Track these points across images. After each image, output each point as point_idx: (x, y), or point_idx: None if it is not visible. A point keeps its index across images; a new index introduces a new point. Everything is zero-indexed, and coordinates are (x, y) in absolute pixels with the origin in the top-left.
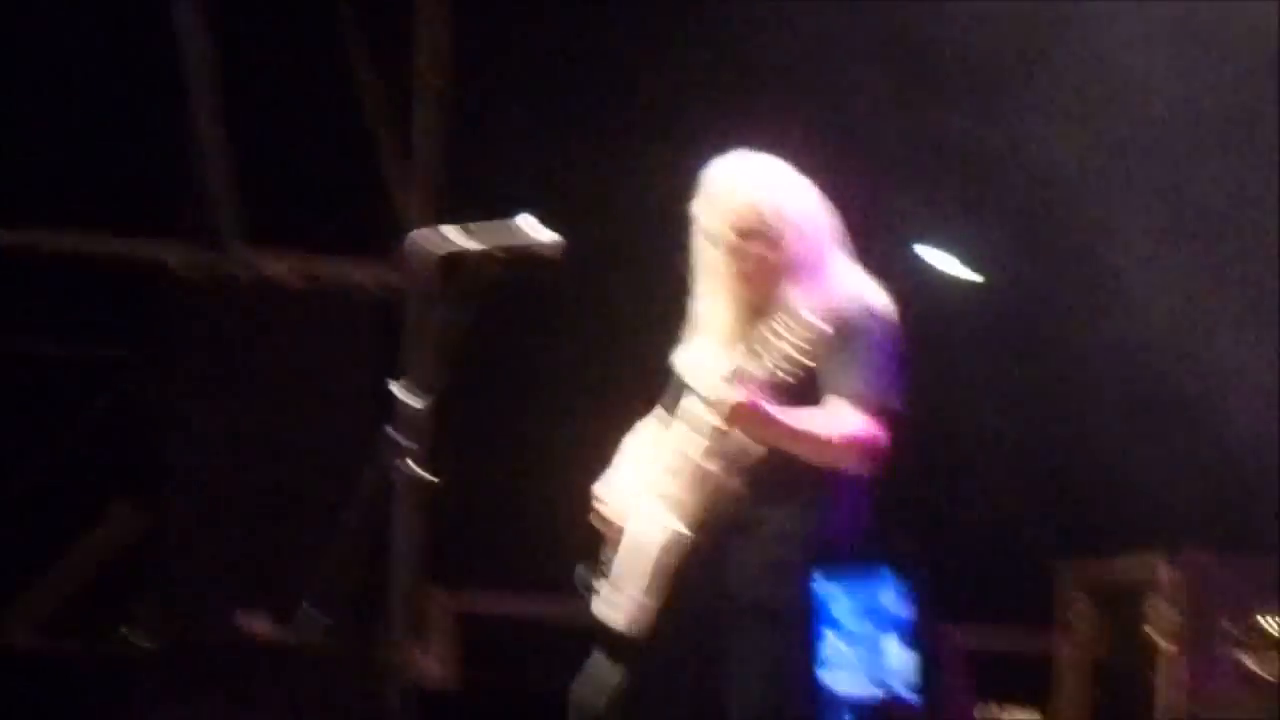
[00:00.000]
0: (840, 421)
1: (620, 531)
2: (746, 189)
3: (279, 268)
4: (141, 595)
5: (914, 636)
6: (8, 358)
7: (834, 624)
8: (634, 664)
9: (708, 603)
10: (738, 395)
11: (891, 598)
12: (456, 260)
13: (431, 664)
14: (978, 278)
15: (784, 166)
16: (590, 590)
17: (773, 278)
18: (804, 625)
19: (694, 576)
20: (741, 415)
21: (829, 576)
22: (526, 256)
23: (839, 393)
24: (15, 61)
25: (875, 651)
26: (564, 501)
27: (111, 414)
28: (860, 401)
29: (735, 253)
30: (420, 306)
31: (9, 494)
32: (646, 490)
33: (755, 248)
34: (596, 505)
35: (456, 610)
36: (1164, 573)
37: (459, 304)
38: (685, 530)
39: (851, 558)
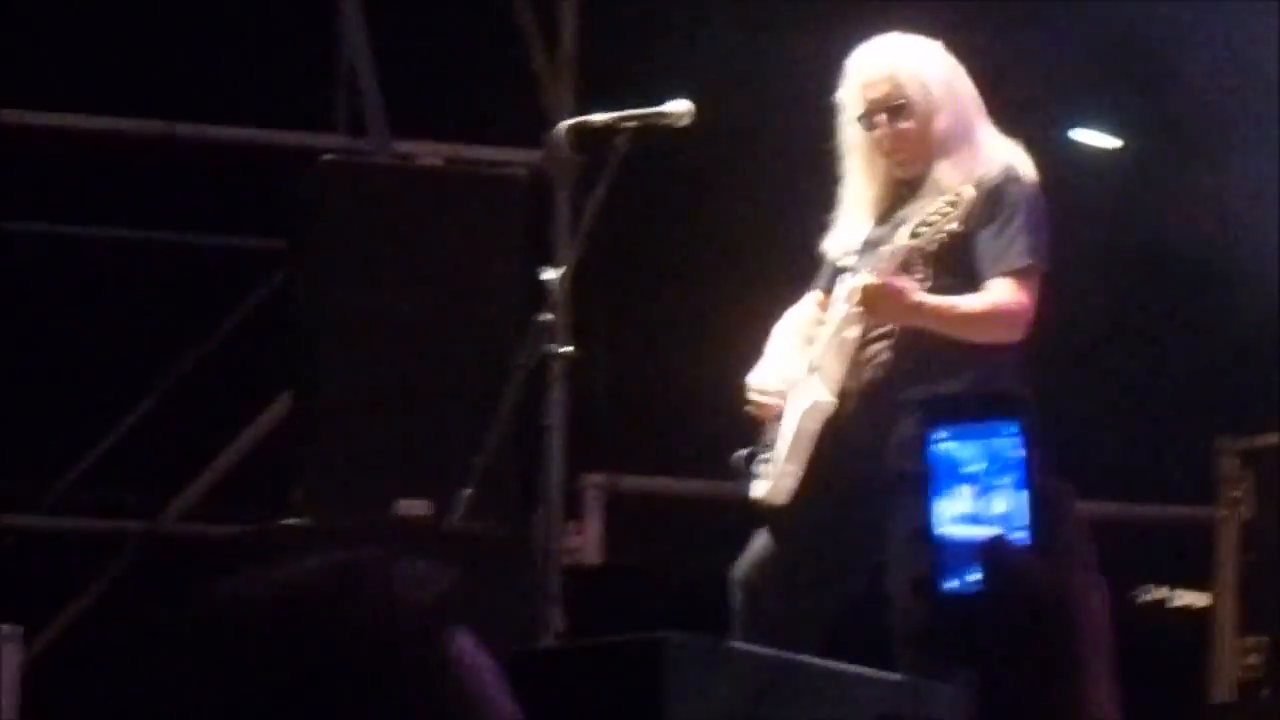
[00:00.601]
0: (983, 295)
1: (777, 414)
2: (887, 65)
3: (428, 156)
4: (296, 482)
5: (1026, 478)
6: (166, 249)
7: (957, 475)
8: (785, 534)
9: (861, 473)
10: (872, 277)
11: (1008, 442)
12: (589, 131)
13: (586, 545)
14: (1120, 143)
15: (926, 42)
16: (748, 474)
17: (919, 152)
18: None
19: (846, 448)
20: (876, 295)
21: (951, 432)
22: (656, 124)
23: (995, 266)
24: None
25: (993, 496)
26: (715, 382)
27: (269, 305)
28: (1015, 273)
29: (879, 129)
30: (560, 181)
31: (169, 386)
32: (800, 369)
33: (898, 123)
34: (751, 395)
35: (611, 491)
36: None
37: (596, 174)
38: (829, 396)
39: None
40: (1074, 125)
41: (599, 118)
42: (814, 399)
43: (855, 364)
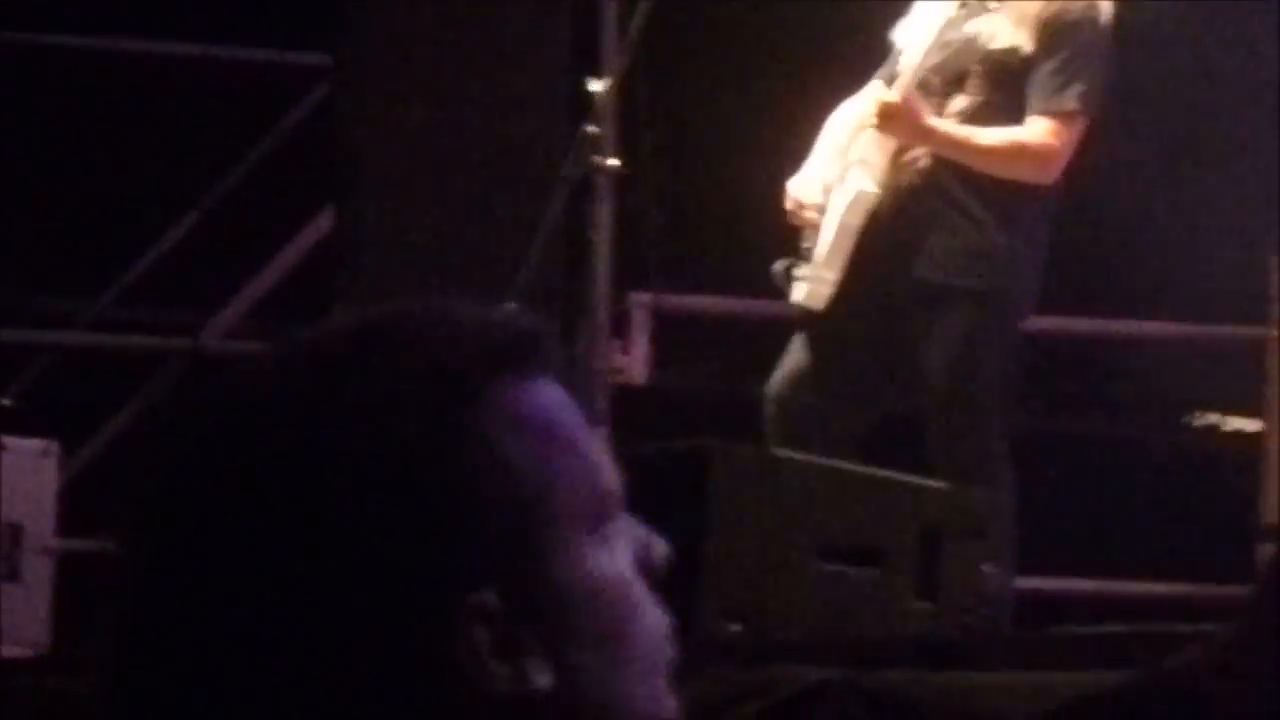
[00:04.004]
0: (1011, 131)
1: (818, 221)
2: None
3: None
4: (338, 299)
5: None
6: (205, 63)
7: None
8: (819, 343)
9: (899, 282)
10: (893, 95)
11: None
12: None
13: (632, 363)
14: None
15: None
16: (789, 282)
17: None
18: (997, 308)
19: (884, 253)
20: (890, 114)
21: None
22: None
23: (1040, 103)
24: None
25: None
26: (769, 197)
27: (312, 120)
28: (1058, 114)
29: None
30: None
31: (210, 203)
32: (845, 162)
33: None
34: (788, 201)
35: (658, 309)
36: None
37: None
38: (871, 187)
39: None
40: None
41: None
42: (857, 189)
43: (895, 164)
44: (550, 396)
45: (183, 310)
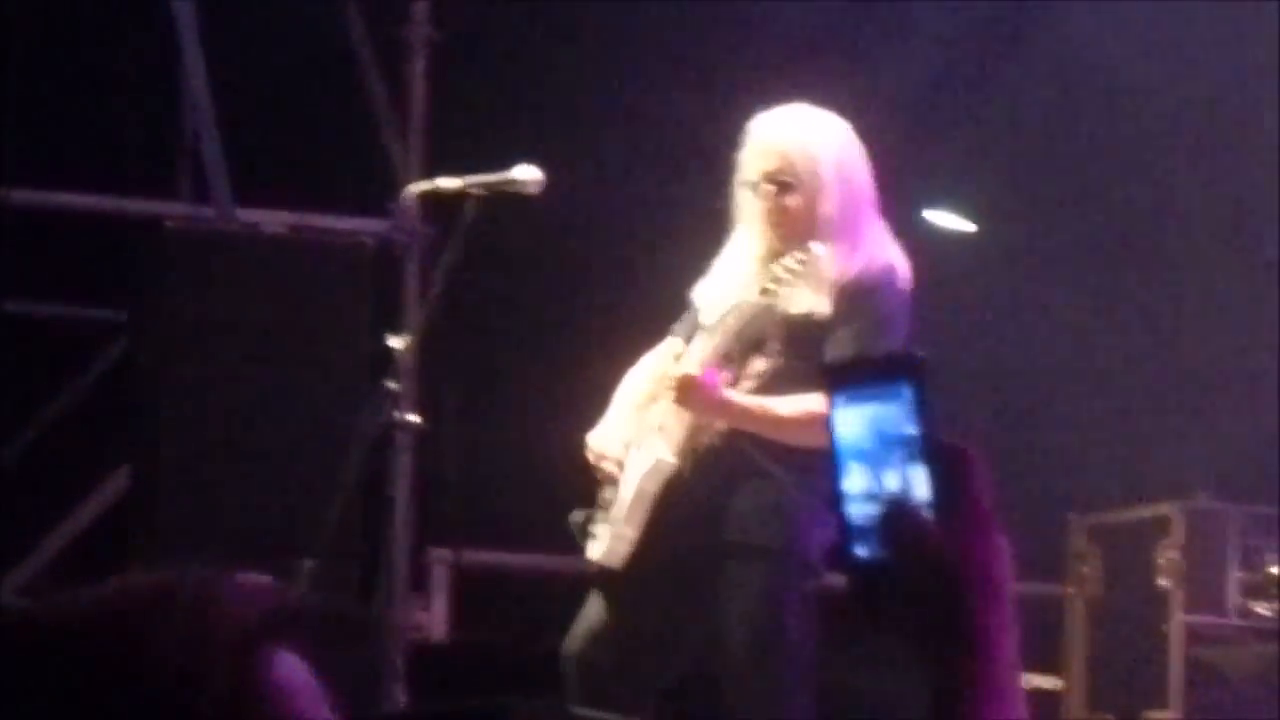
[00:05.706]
0: (803, 399)
1: (616, 476)
2: (781, 138)
3: (273, 224)
4: (135, 556)
5: (924, 442)
6: (3, 319)
7: (860, 441)
8: (618, 602)
9: (697, 542)
10: (690, 368)
11: (907, 405)
12: (438, 198)
13: (431, 620)
14: (974, 227)
15: (830, 122)
16: (586, 536)
17: (801, 231)
18: (795, 566)
19: (683, 514)
20: (686, 389)
21: (845, 398)
22: (506, 192)
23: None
24: (11, 20)
25: (895, 461)
26: (564, 454)
27: (110, 376)
28: None
29: (766, 200)
30: (408, 248)
31: (4, 460)
32: (644, 425)
33: (783, 198)
34: (590, 454)
35: (456, 566)
36: (1174, 520)
37: (445, 242)
38: (670, 457)
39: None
40: (929, 205)
41: (447, 183)
42: (655, 458)
43: (695, 428)
44: (294, 667)
45: None
